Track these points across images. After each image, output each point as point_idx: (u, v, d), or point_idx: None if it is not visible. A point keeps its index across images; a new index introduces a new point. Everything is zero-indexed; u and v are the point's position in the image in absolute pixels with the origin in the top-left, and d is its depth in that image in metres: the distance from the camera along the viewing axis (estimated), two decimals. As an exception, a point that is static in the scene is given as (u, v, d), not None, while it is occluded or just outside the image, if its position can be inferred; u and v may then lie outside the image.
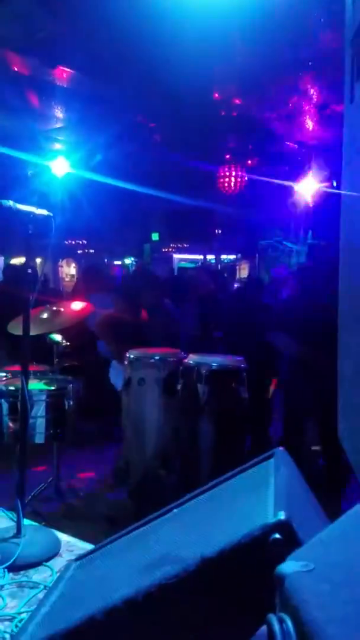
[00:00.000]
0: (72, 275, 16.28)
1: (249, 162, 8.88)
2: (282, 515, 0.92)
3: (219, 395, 2.99)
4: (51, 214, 1.92)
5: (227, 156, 8.74)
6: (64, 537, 1.90)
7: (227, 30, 4.52)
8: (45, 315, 3.32)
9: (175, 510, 1.28)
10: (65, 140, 8.58)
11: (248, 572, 0.93)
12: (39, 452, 3.19)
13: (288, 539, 0.92)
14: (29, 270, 1.89)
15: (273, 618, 0.63)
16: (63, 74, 5.73)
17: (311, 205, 8.69)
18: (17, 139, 7.80)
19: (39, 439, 2.92)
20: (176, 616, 0.94)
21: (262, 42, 4.76)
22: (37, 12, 4.34)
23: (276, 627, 0.60)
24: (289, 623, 0.61)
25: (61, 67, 5.51)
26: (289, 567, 0.69)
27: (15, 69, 5.67)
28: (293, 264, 11.11)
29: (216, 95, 6.40)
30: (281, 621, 0.62)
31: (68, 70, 5.63)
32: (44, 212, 1.90)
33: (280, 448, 1.25)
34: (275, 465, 1.17)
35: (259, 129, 7.39)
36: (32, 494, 3.05)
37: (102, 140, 8.16)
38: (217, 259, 17.00)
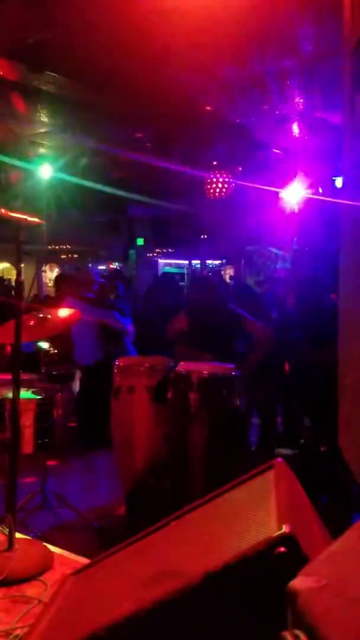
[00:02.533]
0: (57, 281, 16.10)
1: (235, 168, 8.93)
2: (286, 528, 0.91)
3: (210, 403, 2.98)
4: (43, 222, 1.90)
5: (215, 162, 8.77)
6: (55, 550, 1.86)
7: (215, 37, 4.56)
8: (32, 323, 3.27)
9: (173, 523, 1.26)
10: (50, 144, 8.53)
11: (253, 586, 0.92)
12: (27, 463, 3.15)
13: (293, 552, 0.91)
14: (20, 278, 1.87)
15: (288, 636, 0.62)
16: (50, 79, 5.71)
17: (296, 212, 8.77)
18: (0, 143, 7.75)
19: (27, 449, 2.87)
20: (180, 633, 0.93)
21: (249, 50, 4.81)
22: (27, 18, 4.32)
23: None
24: (305, 641, 0.60)
25: (49, 73, 5.49)
26: (301, 582, 0.68)
27: (1, 73, 5.63)
28: (278, 269, 11.19)
29: (204, 102, 6.44)
30: (296, 638, 0.61)
31: (55, 75, 5.61)
32: (36, 219, 1.88)
33: (280, 459, 1.24)
34: (275, 477, 1.17)
35: (246, 136, 7.44)
36: (20, 505, 3.00)
37: (87, 145, 8.14)
38: (203, 264, 17.04)
